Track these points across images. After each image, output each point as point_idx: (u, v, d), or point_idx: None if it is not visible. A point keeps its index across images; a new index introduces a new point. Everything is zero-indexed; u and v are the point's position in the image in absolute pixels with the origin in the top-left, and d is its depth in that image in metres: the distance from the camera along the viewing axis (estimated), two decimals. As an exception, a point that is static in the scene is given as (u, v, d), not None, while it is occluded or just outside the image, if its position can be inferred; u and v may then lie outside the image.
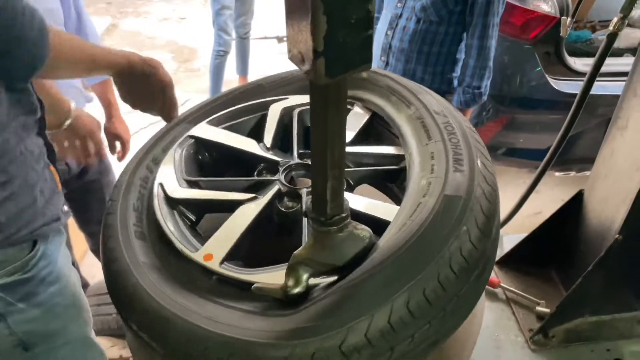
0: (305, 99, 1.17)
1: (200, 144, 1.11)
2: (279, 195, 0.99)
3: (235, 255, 0.90)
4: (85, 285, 2.36)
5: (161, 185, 0.99)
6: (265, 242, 0.98)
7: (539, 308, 1.38)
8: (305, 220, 0.95)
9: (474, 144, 0.94)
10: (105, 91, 2.28)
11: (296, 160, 1.09)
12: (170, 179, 1.01)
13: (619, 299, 1.36)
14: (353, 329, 0.73)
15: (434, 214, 0.83)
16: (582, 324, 1.36)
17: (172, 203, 0.97)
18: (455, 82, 2.19)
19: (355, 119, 1.12)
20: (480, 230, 0.82)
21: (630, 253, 1.23)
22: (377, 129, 1.13)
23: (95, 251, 2.40)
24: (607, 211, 1.24)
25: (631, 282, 1.33)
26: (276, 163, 1.06)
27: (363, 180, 1.06)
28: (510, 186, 2.07)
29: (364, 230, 0.84)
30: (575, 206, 1.36)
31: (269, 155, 1.08)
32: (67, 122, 1.53)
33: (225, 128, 1.15)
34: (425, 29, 2.09)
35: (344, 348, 0.74)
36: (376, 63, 2.28)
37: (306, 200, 1.00)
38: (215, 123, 1.14)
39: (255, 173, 1.08)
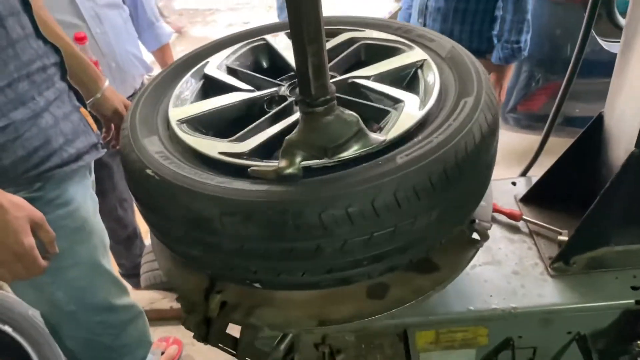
0: (223, 54, 1.23)
1: (194, 121, 1.09)
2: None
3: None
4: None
5: (222, 153, 0.96)
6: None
7: (560, 237, 1.35)
8: None
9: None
10: (163, 56, 2.44)
11: (287, 78, 1.16)
12: (222, 145, 0.98)
13: (647, 227, 1.30)
14: None
15: None
16: (608, 253, 1.31)
17: (241, 156, 0.95)
18: (495, 40, 2.17)
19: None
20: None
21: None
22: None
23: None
24: (624, 127, 1.20)
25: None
26: (275, 93, 1.11)
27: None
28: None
29: (352, 116, 0.89)
30: (594, 130, 1.32)
31: (263, 92, 1.12)
32: (96, 96, 1.52)
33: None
34: (461, -15, 2.09)
35: None
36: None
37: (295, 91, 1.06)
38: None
39: (267, 108, 1.11)
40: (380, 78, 1.09)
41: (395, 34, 1.21)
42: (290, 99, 1.08)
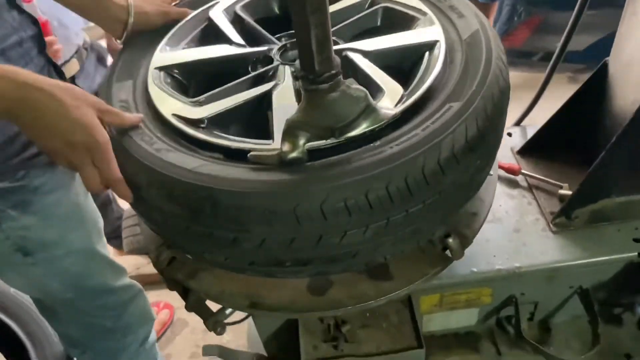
0: None
1: (174, 69, 1.00)
2: (295, 75, 0.93)
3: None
4: (119, 215, 2.44)
5: (175, 115, 0.88)
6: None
7: (561, 191, 1.32)
8: None
9: None
10: None
11: (281, 42, 1.04)
12: (179, 106, 0.90)
13: (649, 176, 1.28)
14: None
15: None
16: (609, 205, 1.29)
17: (197, 123, 0.88)
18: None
19: None
20: None
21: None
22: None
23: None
24: (632, 76, 1.15)
25: (661, 157, 1.24)
26: (264, 53, 1.01)
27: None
28: (551, 98, 1.91)
29: (359, 90, 0.80)
30: (598, 79, 1.26)
31: (253, 49, 1.02)
32: (131, 21, 1.12)
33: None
34: None
35: None
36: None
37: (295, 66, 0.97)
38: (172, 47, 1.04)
39: (250, 69, 1.01)
40: (381, 56, 0.96)
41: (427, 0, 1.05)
42: (275, 63, 0.98)
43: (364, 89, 0.81)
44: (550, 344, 1.33)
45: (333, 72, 0.77)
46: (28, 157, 1.10)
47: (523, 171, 1.39)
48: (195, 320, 2.04)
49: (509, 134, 1.52)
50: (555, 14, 2.60)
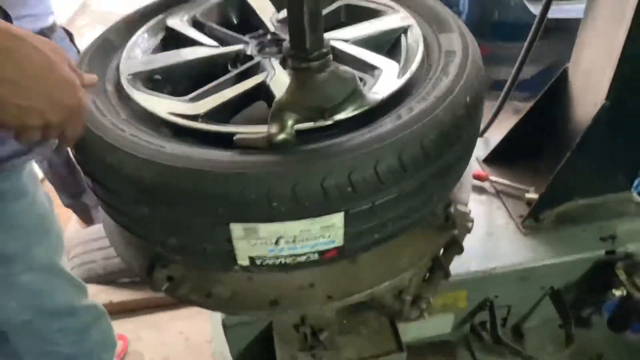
0: (192, 5, 1.10)
1: (153, 76, 0.97)
2: (284, 64, 0.93)
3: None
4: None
5: (173, 113, 0.84)
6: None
7: (528, 195, 1.35)
8: None
9: None
10: None
11: (256, 36, 1.04)
12: (173, 106, 0.86)
13: (608, 179, 1.33)
14: None
15: None
16: (574, 207, 1.33)
17: (195, 118, 0.84)
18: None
19: None
20: None
21: (618, 123, 1.20)
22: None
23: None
24: (592, 80, 1.21)
25: (620, 160, 1.30)
26: (241, 51, 0.99)
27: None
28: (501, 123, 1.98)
29: (347, 72, 0.79)
30: (558, 86, 1.32)
31: (230, 48, 1.00)
32: None
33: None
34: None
35: None
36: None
37: (284, 45, 0.95)
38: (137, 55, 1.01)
39: (230, 67, 0.99)
40: (360, 42, 0.98)
41: None
42: (256, 59, 0.97)
43: (353, 71, 0.80)
44: (524, 349, 1.33)
45: (324, 50, 0.76)
46: (3, 158, 1.00)
47: (490, 177, 1.42)
48: (151, 351, 1.92)
49: (473, 145, 1.56)
50: (501, 44, 2.74)
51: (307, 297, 0.85)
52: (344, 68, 0.80)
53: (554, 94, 1.34)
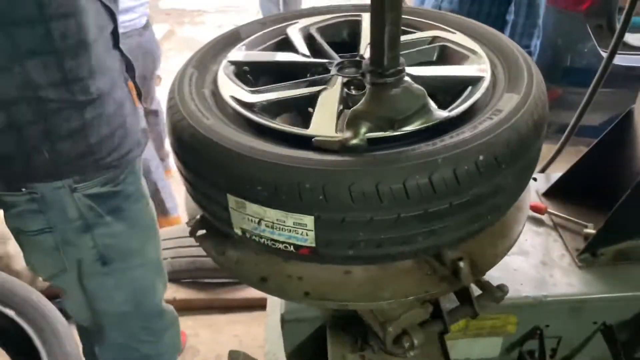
0: (314, 19, 1.22)
1: (244, 66, 1.11)
2: (344, 84, 1.01)
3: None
4: None
5: (232, 97, 0.98)
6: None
7: (586, 230, 1.37)
8: None
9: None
10: None
11: (347, 56, 1.14)
12: (238, 91, 1.00)
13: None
14: None
15: None
16: (632, 246, 1.34)
17: (251, 107, 0.96)
18: (505, 44, 2.21)
19: None
20: None
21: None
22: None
23: None
24: (656, 122, 1.24)
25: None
26: (323, 65, 1.10)
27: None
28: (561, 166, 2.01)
29: (419, 89, 0.88)
30: (623, 127, 1.36)
31: (315, 60, 1.12)
32: None
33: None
34: (475, -11, 2.13)
35: None
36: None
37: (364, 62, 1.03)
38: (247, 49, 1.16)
39: (309, 76, 1.13)
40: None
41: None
42: (332, 73, 1.06)
43: (423, 89, 0.89)
44: (571, 383, 1.33)
45: (399, 68, 0.86)
46: (125, 152, 1.13)
47: (549, 210, 1.45)
48: (206, 348, 2.03)
49: (534, 179, 1.60)
50: (572, 89, 2.75)
51: (289, 286, 0.91)
52: (415, 85, 0.89)
53: (618, 133, 1.37)
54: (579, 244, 1.36)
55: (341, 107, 0.95)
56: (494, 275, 1.28)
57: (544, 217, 1.46)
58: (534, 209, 1.46)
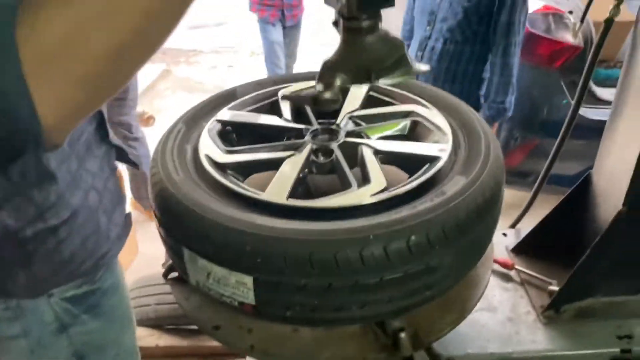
0: (305, 84, 1.27)
1: (227, 126, 1.17)
2: (313, 151, 1.07)
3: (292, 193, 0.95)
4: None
5: (207, 156, 1.04)
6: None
7: (551, 287, 1.43)
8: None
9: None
10: None
11: (318, 126, 1.21)
12: (213, 150, 1.06)
13: (628, 281, 1.40)
14: None
15: None
16: (594, 303, 1.40)
17: (222, 167, 1.02)
18: (482, 100, 2.32)
19: None
20: None
21: (634, 229, 1.29)
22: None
23: None
24: (613, 186, 1.32)
25: (638, 264, 1.37)
26: (300, 130, 1.16)
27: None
28: (540, 213, 2.08)
29: (397, 39, 0.82)
30: (584, 188, 1.44)
31: (294, 125, 1.18)
32: None
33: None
34: (452, 49, 2.26)
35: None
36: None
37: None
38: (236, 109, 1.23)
39: (285, 139, 1.19)
40: (388, 156, 1.06)
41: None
42: (304, 140, 1.11)
43: (401, 39, 0.87)
44: None
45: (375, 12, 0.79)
46: (100, 256, 1.09)
47: (516, 267, 1.51)
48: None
49: (504, 234, 1.67)
50: (548, 140, 2.86)
51: (237, 337, 0.96)
52: (393, 34, 0.83)
53: (579, 195, 1.45)
54: (544, 301, 1.42)
55: (301, 175, 0.99)
56: (462, 332, 1.35)
57: (512, 273, 1.52)
58: (503, 264, 1.52)
